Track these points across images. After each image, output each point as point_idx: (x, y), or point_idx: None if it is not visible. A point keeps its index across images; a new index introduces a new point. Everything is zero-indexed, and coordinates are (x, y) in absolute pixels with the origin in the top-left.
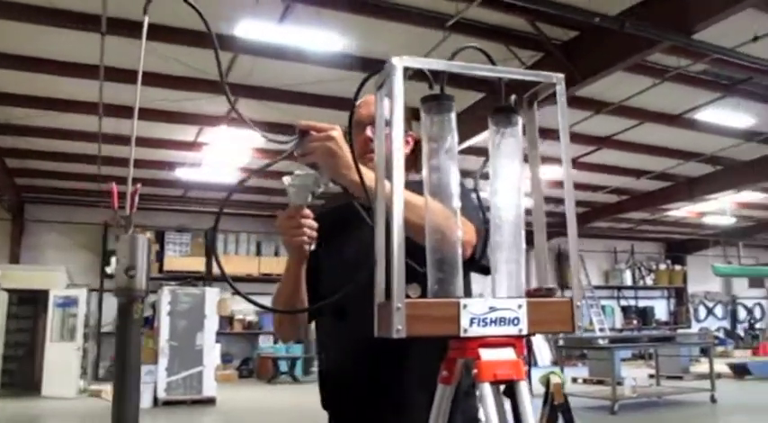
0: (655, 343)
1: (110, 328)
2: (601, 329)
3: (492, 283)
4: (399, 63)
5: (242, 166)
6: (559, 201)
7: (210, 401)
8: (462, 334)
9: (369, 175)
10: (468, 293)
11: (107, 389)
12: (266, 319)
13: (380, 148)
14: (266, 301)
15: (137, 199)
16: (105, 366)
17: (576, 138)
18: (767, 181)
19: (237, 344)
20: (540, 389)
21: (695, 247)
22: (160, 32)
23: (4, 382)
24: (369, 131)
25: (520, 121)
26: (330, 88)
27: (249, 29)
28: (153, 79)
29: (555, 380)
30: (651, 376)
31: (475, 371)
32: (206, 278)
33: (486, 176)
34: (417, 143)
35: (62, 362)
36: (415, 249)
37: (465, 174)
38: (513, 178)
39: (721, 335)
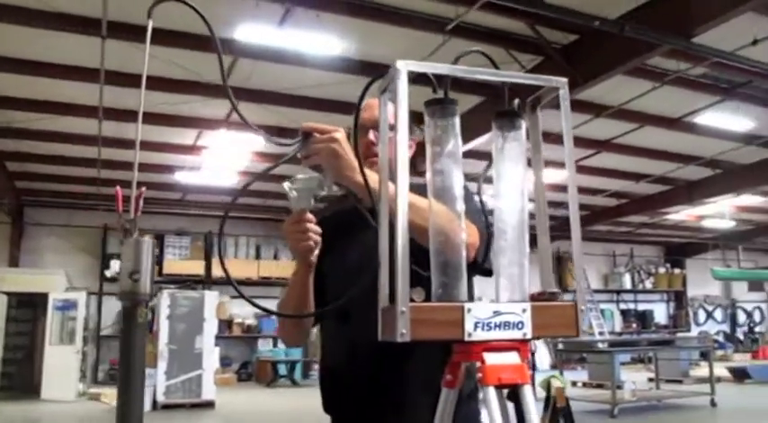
0: (654, 347)
1: (109, 331)
2: (600, 333)
3: (495, 287)
4: (404, 67)
5: (241, 169)
6: (558, 204)
7: (209, 405)
8: (467, 338)
9: (373, 177)
10: (471, 297)
11: (106, 392)
12: (265, 323)
13: (384, 151)
14: (267, 304)
15: (141, 202)
16: (105, 369)
17: (575, 141)
18: (766, 184)
19: (236, 347)
20: (540, 393)
21: (694, 251)
22: (160, 36)
23: (4, 386)
24: (371, 135)
25: (523, 124)
26: (329, 92)
27: (249, 32)
28: (152, 83)
29: (557, 384)
30: (651, 380)
31: (479, 375)
32: (205, 281)
33: (489, 180)
34: (418, 146)
35: (61, 365)
36: (418, 253)
37: (465, 177)
38: (517, 182)
39: (721, 338)
